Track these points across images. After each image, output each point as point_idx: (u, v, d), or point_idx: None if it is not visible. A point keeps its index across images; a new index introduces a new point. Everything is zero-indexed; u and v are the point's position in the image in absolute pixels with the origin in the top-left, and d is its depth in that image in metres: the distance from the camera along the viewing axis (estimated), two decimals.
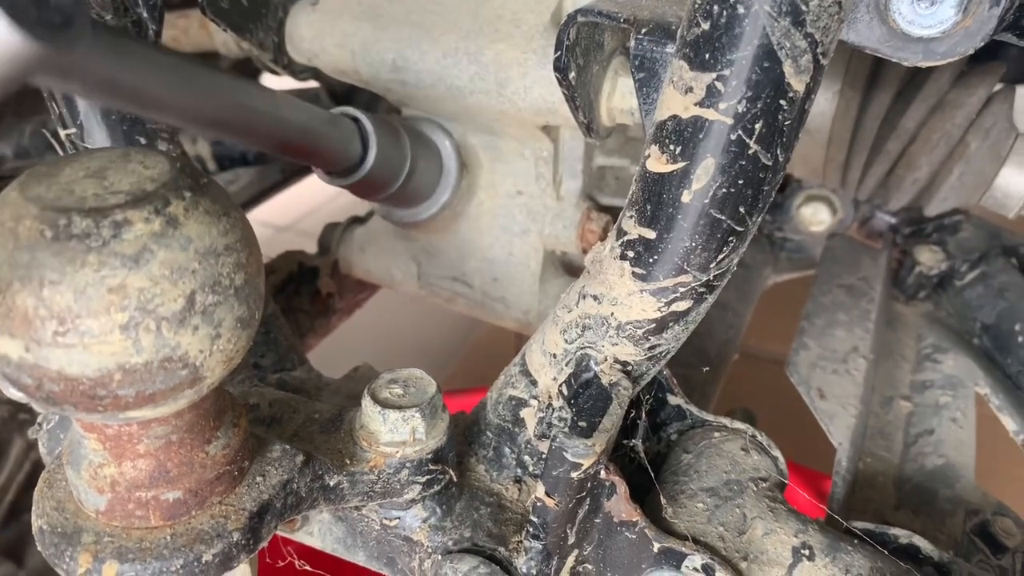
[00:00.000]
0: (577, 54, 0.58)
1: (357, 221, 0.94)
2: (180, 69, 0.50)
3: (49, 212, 0.37)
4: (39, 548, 0.47)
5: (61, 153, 0.69)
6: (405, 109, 0.80)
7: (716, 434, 0.63)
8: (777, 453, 0.63)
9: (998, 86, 0.80)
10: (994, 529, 0.67)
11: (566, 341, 0.57)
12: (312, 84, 1.18)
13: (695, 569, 0.53)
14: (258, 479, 0.49)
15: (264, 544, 0.49)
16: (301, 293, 0.92)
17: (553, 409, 0.59)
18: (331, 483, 0.53)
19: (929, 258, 0.96)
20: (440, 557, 0.56)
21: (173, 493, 0.45)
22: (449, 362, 2.05)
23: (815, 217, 1.05)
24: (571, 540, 0.55)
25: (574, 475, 0.51)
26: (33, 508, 0.48)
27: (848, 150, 0.83)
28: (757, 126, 0.45)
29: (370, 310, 1.25)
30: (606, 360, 0.56)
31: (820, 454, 0.89)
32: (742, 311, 0.97)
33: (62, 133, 0.67)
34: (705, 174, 0.46)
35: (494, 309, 0.85)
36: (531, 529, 0.54)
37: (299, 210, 2.61)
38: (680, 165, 0.47)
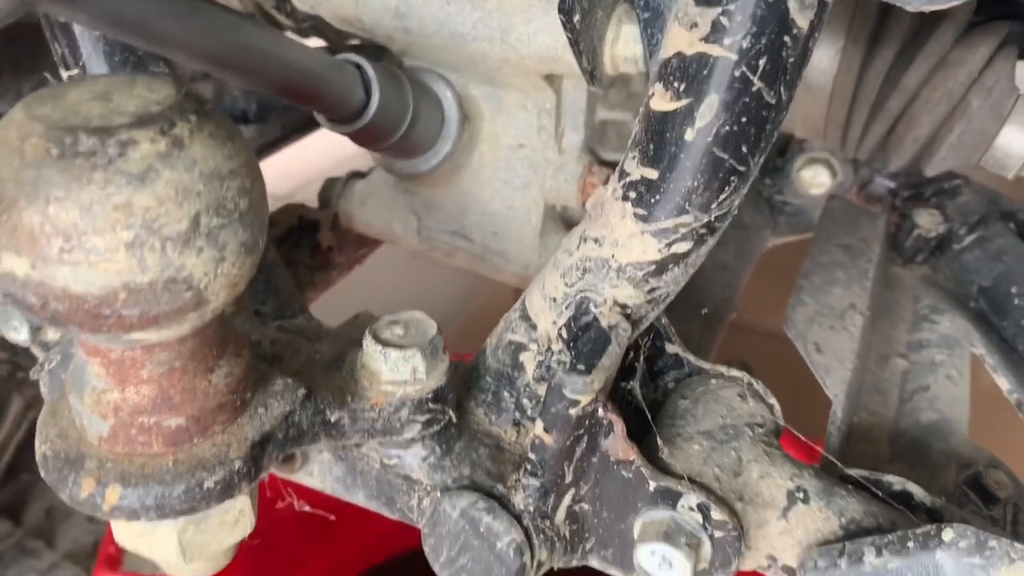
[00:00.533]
0: None
1: (358, 176, 0.94)
2: (188, 3, 0.50)
3: (55, 130, 0.38)
4: (42, 474, 0.47)
5: None
6: (407, 60, 0.80)
7: (713, 381, 0.64)
8: (773, 401, 0.63)
9: (1000, 44, 0.80)
10: (986, 481, 0.67)
11: (566, 284, 0.58)
12: (316, 43, 1.17)
13: (690, 508, 0.54)
14: (260, 410, 0.50)
15: (265, 475, 0.50)
16: (301, 246, 0.92)
17: (552, 352, 0.60)
18: (332, 418, 0.53)
19: (928, 221, 0.97)
20: (439, 494, 0.56)
21: (176, 420, 0.46)
22: (446, 331, 2.06)
23: (815, 180, 1.05)
24: (568, 478, 0.55)
25: (572, 412, 0.51)
26: (36, 435, 0.49)
27: (849, 108, 0.83)
28: (761, 62, 0.45)
29: (367, 279, 1.25)
30: (605, 303, 0.56)
31: (817, 429, 0.90)
32: (740, 271, 0.97)
33: (64, 74, 0.67)
34: (709, 111, 0.47)
35: (493, 263, 0.86)
36: (529, 467, 0.54)
37: (299, 179, 2.60)
38: (684, 102, 0.47)
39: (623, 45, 0.64)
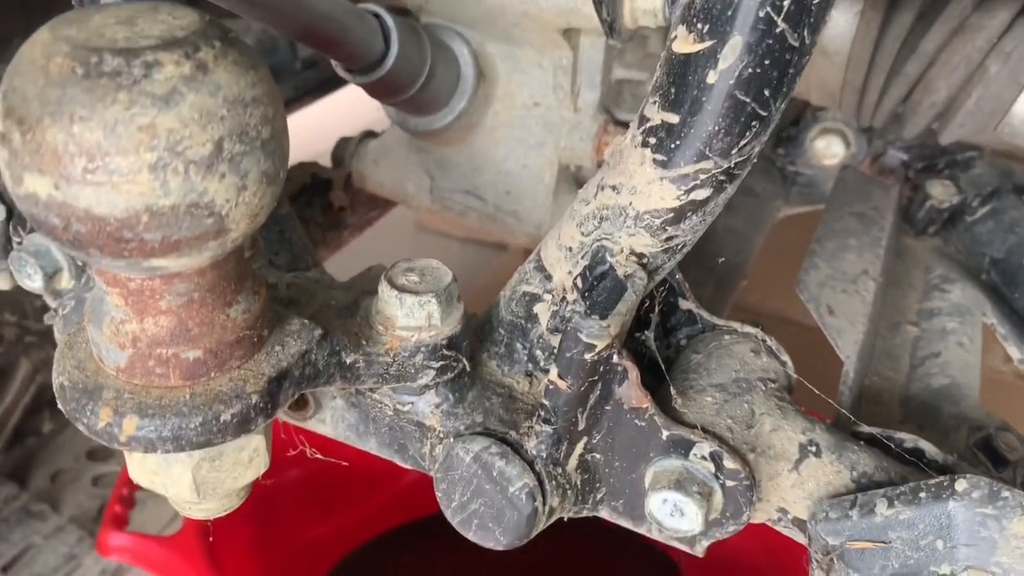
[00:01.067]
0: None
1: (371, 135, 0.94)
2: None
3: (81, 50, 0.37)
4: (59, 405, 0.47)
5: None
6: (424, 16, 0.80)
7: (726, 337, 0.64)
8: (786, 358, 0.63)
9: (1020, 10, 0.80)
10: (997, 443, 0.67)
11: (582, 234, 0.58)
12: None
13: (703, 457, 0.54)
14: (277, 348, 0.50)
15: (281, 410, 0.50)
16: (313, 204, 0.92)
17: (567, 303, 0.59)
18: (347, 360, 0.53)
19: (941, 192, 0.96)
20: (452, 439, 0.56)
21: (193, 352, 0.46)
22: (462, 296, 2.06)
23: (828, 150, 1.05)
24: (581, 426, 0.55)
25: (587, 356, 0.51)
26: (54, 367, 0.49)
27: (866, 73, 0.83)
28: (785, 3, 0.45)
29: (373, 256, 1.26)
30: (622, 251, 0.56)
31: (823, 412, 0.90)
32: (752, 237, 0.97)
33: None
34: (732, 53, 0.46)
35: (506, 223, 0.86)
36: (542, 413, 0.54)
37: (310, 148, 2.60)
38: (707, 44, 0.47)
39: None
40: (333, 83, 1.15)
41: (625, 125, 0.82)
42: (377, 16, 0.69)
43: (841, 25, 0.81)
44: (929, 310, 0.86)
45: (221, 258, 0.44)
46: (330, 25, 0.62)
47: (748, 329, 0.64)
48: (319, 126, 1.61)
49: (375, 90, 0.72)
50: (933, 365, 0.77)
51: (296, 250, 0.74)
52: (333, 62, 0.71)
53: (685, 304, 0.65)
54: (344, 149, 0.93)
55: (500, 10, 0.71)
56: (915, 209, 0.98)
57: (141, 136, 0.37)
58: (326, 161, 0.98)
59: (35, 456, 1.61)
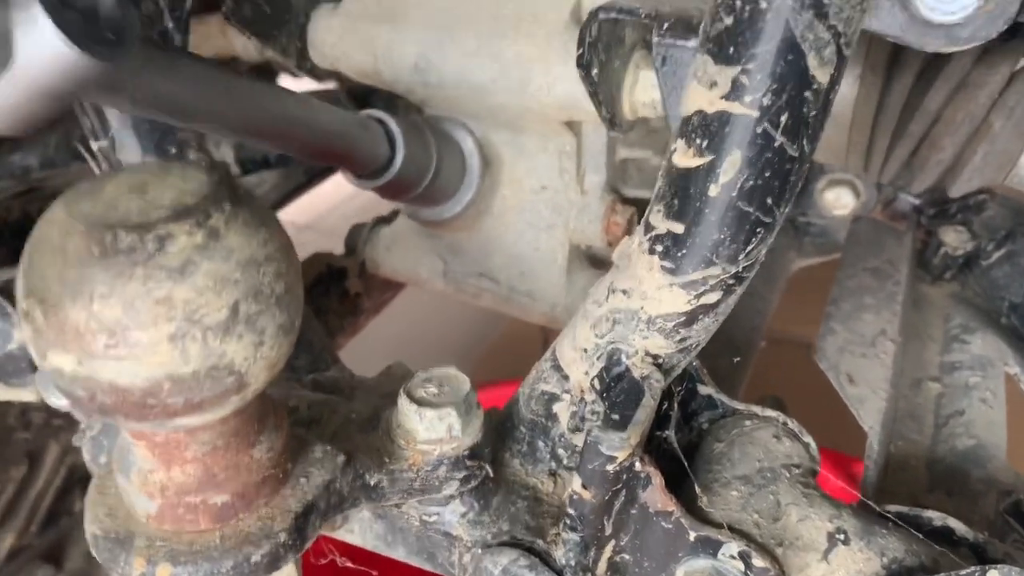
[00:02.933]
0: (599, 50, 0.59)
1: (382, 221, 0.95)
2: (221, 80, 0.51)
3: (95, 229, 0.39)
4: (93, 553, 0.48)
5: (92, 164, 0.71)
6: (427, 108, 0.81)
7: (747, 422, 0.64)
8: (809, 439, 0.63)
9: (1021, 64, 0.80)
10: None
11: (596, 336, 0.58)
12: (330, 85, 1.19)
13: (732, 556, 0.54)
14: (301, 480, 0.50)
15: (310, 544, 0.50)
16: (330, 294, 0.93)
17: (586, 403, 0.60)
18: (372, 482, 0.54)
19: (954, 238, 0.96)
20: (480, 551, 0.57)
21: (221, 497, 0.47)
22: (473, 353, 2.06)
23: (838, 201, 1.05)
24: (608, 531, 0.56)
25: (609, 468, 0.52)
26: (85, 515, 0.50)
27: (870, 134, 0.83)
28: (783, 118, 0.45)
29: (396, 302, 1.27)
30: (637, 353, 0.56)
31: (850, 437, 0.89)
32: (768, 297, 0.97)
33: (94, 145, 0.68)
34: (732, 167, 0.47)
35: (521, 304, 0.86)
36: (568, 521, 0.55)
37: (320, 208, 2.63)
38: (707, 159, 0.48)
39: (641, 91, 0.65)
40: None
41: (633, 202, 0.82)
42: (381, 122, 0.70)
43: (842, 89, 0.81)
44: (950, 364, 0.85)
45: (243, 407, 0.45)
46: (336, 141, 0.63)
47: (769, 413, 0.64)
48: (328, 191, 1.62)
49: (385, 192, 0.73)
50: (958, 424, 0.77)
51: (315, 351, 0.75)
52: (342, 171, 0.72)
53: (704, 389, 0.65)
54: (356, 236, 0.94)
55: (502, 107, 0.72)
56: (930, 256, 0.98)
57: (159, 309, 0.38)
58: (333, 224, 0.99)
59: (69, 536, 1.62)
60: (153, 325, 0.38)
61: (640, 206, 0.82)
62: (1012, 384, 0.85)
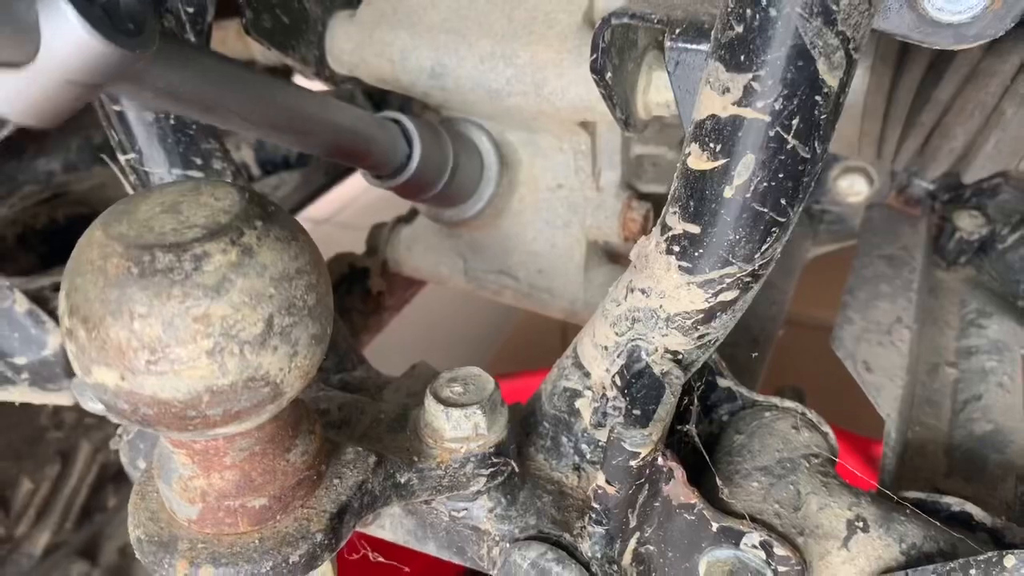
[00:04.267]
0: (612, 54, 0.60)
1: (403, 221, 0.97)
2: (241, 76, 0.52)
3: (133, 249, 0.40)
4: (137, 556, 0.50)
5: (121, 178, 0.72)
6: (444, 111, 0.82)
7: (767, 414, 0.65)
8: (827, 429, 0.65)
9: None
10: None
11: (616, 334, 0.59)
12: (346, 84, 1.20)
13: (754, 546, 0.55)
14: (335, 481, 0.52)
15: (344, 542, 0.52)
16: (353, 293, 0.95)
17: (607, 399, 0.61)
18: (402, 480, 0.56)
19: (969, 223, 0.97)
20: (508, 545, 0.58)
21: (259, 500, 0.48)
22: (493, 344, 2.08)
23: (852, 189, 1.05)
24: (632, 524, 0.57)
25: (633, 463, 0.53)
26: (129, 519, 0.52)
27: (882, 123, 0.84)
28: (794, 122, 0.46)
29: (416, 298, 1.28)
30: (657, 351, 0.58)
31: (869, 419, 0.90)
32: (785, 287, 0.98)
33: (122, 159, 0.70)
34: (746, 170, 0.48)
35: (540, 300, 0.88)
36: (594, 515, 0.56)
37: (337, 203, 2.65)
38: (721, 162, 0.49)
39: (655, 92, 0.66)
40: None
41: (648, 197, 0.84)
42: (398, 122, 0.71)
43: (853, 80, 0.82)
44: (967, 348, 0.86)
45: (278, 413, 0.47)
46: (354, 139, 0.64)
47: (788, 404, 0.65)
48: (344, 186, 1.64)
49: (404, 191, 0.74)
50: (975, 409, 0.78)
51: (342, 352, 0.77)
52: (360, 171, 0.74)
53: (724, 382, 0.67)
54: (378, 237, 0.96)
55: (517, 109, 0.73)
56: (945, 240, 0.99)
57: (197, 327, 0.40)
58: (350, 217, 1.01)
59: (103, 532, 1.66)
60: (192, 341, 0.40)
61: (656, 201, 0.83)
62: None
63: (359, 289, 0.95)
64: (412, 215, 0.96)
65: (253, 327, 0.41)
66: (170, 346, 0.40)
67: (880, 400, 0.72)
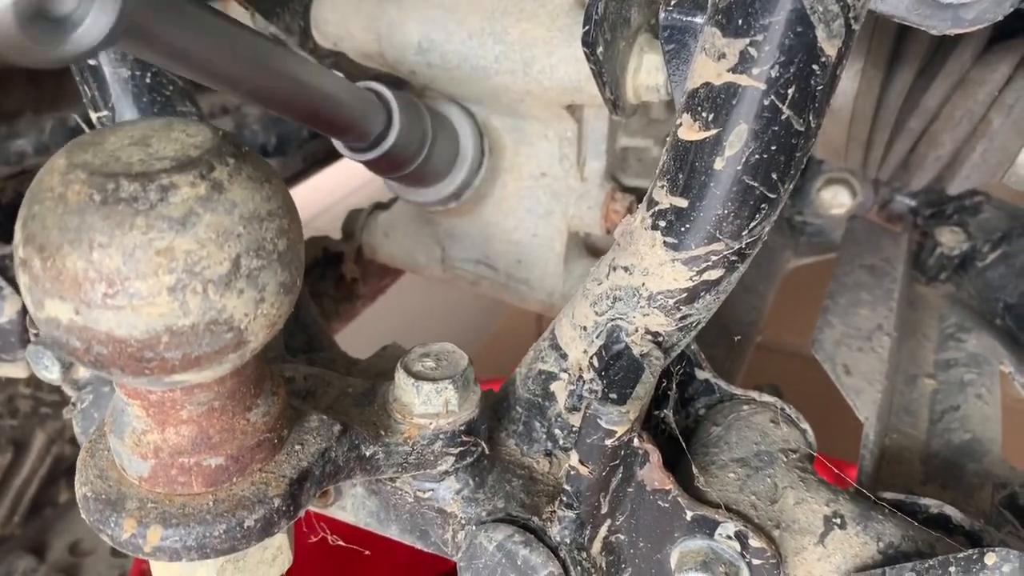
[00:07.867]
0: (605, 29, 0.59)
1: (380, 207, 0.95)
2: (224, 27, 0.50)
3: (97, 177, 0.38)
4: (83, 515, 0.48)
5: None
6: (428, 91, 0.81)
7: (745, 407, 0.63)
8: (806, 426, 0.63)
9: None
10: (1023, 501, 0.67)
11: (596, 313, 0.58)
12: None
13: (728, 536, 0.54)
14: (297, 447, 0.50)
15: (303, 512, 0.50)
16: (326, 278, 0.92)
17: (584, 381, 0.60)
18: (367, 453, 0.54)
19: (950, 239, 0.96)
20: (474, 527, 0.56)
21: (215, 459, 0.46)
22: (469, 350, 2.06)
23: (835, 200, 1.05)
24: (604, 509, 0.55)
25: (608, 442, 0.51)
26: (76, 476, 0.49)
27: (870, 129, 0.83)
28: (790, 91, 0.45)
29: (390, 301, 1.26)
30: (637, 331, 0.56)
31: (843, 448, 0.89)
32: (765, 292, 0.97)
33: (93, 116, 0.68)
34: (738, 140, 0.47)
35: (518, 291, 0.86)
36: (564, 498, 0.54)
37: (318, 206, 2.62)
38: (713, 132, 0.47)
39: (645, 74, 0.65)
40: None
41: (632, 191, 0.82)
42: (377, 93, 0.69)
43: (843, 83, 0.81)
44: (946, 361, 0.85)
45: (241, 366, 0.44)
46: (331, 106, 0.62)
47: (767, 398, 0.63)
48: (324, 184, 1.62)
49: (377, 166, 0.72)
50: (953, 420, 0.77)
51: (311, 331, 0.75)
52: (334, 141, 0.71)
53: (702, 374, 0.65)
54: (354, 222, 0.94)
55: (504, 89, 0.72)
56: (925, 256, 0.98)
57: (159, 260, 0.38)
58: (330, 222, 0.99)
59: (52, 527, 1.61)
60: (153, 275, 0.38)
61: (639, 195, 0.82)
62: (1007, 381, 0.85)
63: (332, 274, 0.93)
64: (391, 202, 0.94)
65: (219, 266, 0.39)
66: (129, 279, 0.37)
67: (859, 403, 0.71)
